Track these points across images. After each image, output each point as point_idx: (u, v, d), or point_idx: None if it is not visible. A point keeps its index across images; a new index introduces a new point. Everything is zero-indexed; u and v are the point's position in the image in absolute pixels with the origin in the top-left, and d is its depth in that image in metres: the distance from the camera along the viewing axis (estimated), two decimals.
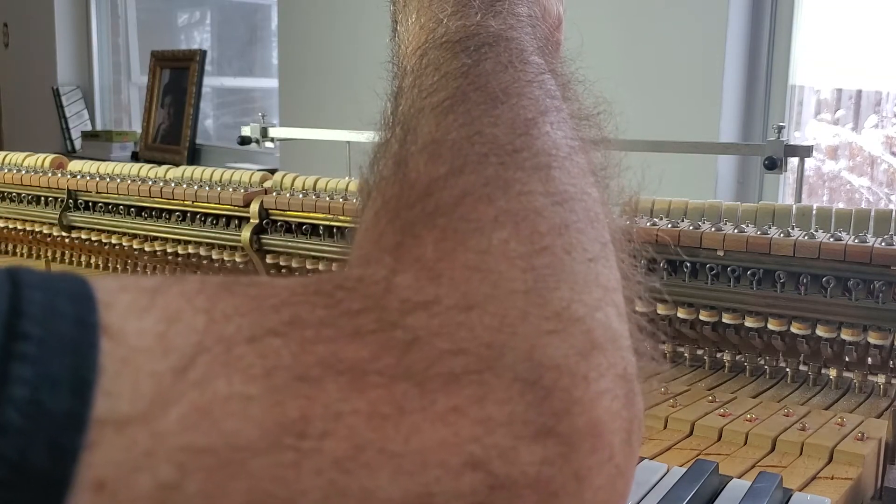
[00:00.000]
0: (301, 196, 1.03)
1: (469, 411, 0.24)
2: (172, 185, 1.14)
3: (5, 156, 1.36)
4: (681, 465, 0.62)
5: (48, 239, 1.29)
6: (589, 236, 0.29)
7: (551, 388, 0.25)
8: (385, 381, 0.23)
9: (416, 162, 0.30)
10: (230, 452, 0.22)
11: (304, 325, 0.24)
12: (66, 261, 1.31)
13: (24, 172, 1.30)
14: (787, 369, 0.81)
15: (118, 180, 1.19)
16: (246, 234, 1.05)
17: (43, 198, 1.27)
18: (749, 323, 0.79)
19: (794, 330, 0.77)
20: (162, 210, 1.15)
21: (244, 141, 1.93)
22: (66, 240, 1.27)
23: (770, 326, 0.78)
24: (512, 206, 0.28)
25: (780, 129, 1.35)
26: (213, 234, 1.10)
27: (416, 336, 0.24)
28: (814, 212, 0.78)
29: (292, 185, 1.05)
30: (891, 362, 0.77)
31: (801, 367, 0.80)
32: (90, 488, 0.21)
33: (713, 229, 0.80)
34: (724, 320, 0.80)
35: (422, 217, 0.28)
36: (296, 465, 0.22)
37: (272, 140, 1.94)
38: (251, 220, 1.05)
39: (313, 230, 1.02)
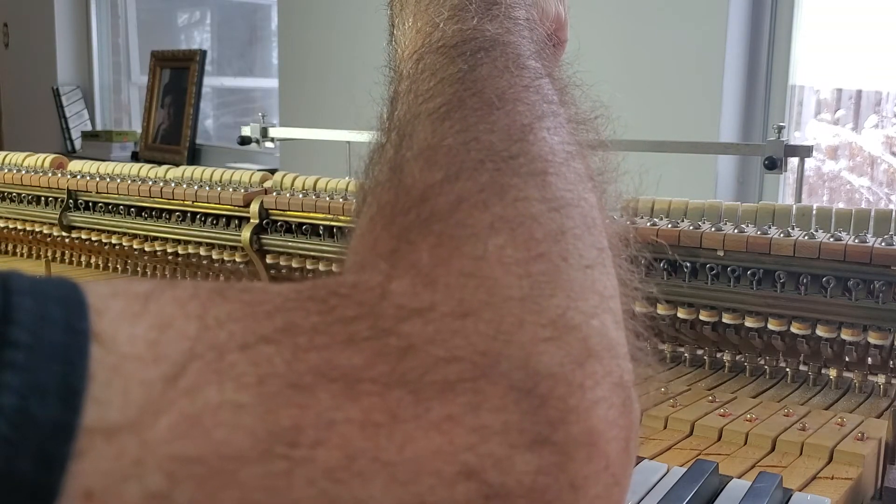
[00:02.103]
0: (301, 196, 1.03)
1: (464, 419, 0.23)
2: (172, 185, 1.14)
3: (5, 156, 1.36)
4: (681, 465, 0.62)
5: (48, 239, 1.30)
6: (586, 242, 0.29)
7: (547, 396, 0.24)
8: (379, 388, 0.23)
9: (412, 168, 0.30)
10: (221, 462, 0.21)
11: (298, 331, 0.24)
12: (66, 261, 1.31)
13: (24, 172, 1.30)
14: (787, 369, 0.81)
15: (118, 180, 1.19)
16: (246, 234, 1.05)
17: (43, 198, 1.27)
18: (749, 323, 0.79)
19: (794, 330, 0.77)
20: (162, 210, 1.15)
21: (244, 141, 1.93)
22: (66, 240, 1.27)
23: (770, 326, 0.78)
24: (508, 212, 0.28)
25: (780, 129, 1.35)
26: (213, 235, 1.10)
27: (410, 343, 0.24)
28: (814, 212, 0.78)
29: (292, 185, 1.05)
30: (891, 362, 0.77)
31: (801, 367, 0.81)
32: (78, 498, 0.20)
33: (713, 229, 0.80)
34: (724, 320, 0.80)
35: (417, 223, 0.28)
36: (287, 475, 0.22)
37: (272, 140, 1.94)
38: (251, 220, 1.05)
39: (313, 230, 1.02)
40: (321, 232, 1.01)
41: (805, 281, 0.76)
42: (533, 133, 0.31)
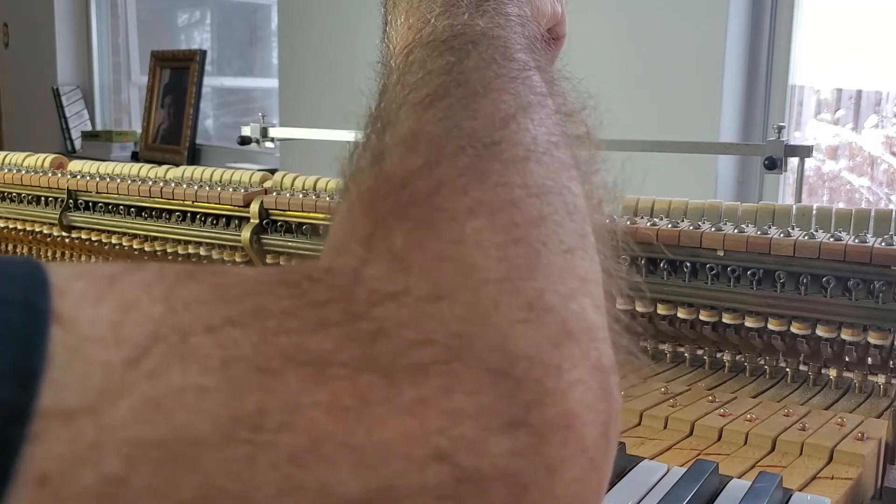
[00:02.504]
0: (301, 196, 1.03)
1: (436, 402, 0.23)
2: (172, 185, 1.14)
3: (5, 156, 1.36)
4: (681, 465, 0.62)
5: (48, 239, 1.30)
6: (567, 228, 0.29)
7: (522, 378, 0.24)
8: (349, 372, 0.23)
9: (393, 155, 0.30)
10: (181, 446, 0.21)
11: (267, 315, 0.24)
12: (67, 261, 1.31)
13: (24, 172, 1.30)
14: (787, 369, 0.81)
15: (118, 180, 1.19)
16: (246, 234, 1.05)
17: (43, 198, 1.27)
18: (749, 323, 0.79)
19: (794, 330, 0.77)
20: (162, 210, 1.15)
21: (244, 141, 1.93)
22: (66, 240, 1.27)
23: (770, 326, 0.78)
24: (487, 196, 0.27)
25: (780, 129, 1.35)
26: (213, 234, 1.10)
27: (382, 327, 0.24)
28: (814, 212, 0.78)
29: (292, 185, 1.05)
30: (891, 362, 0.77)
31: (801, 367, 0.81)
32: (32, 482, 0.20)
33: (713, 229, 0.80)
34: (724, 320, 0.80)
35: (395, 208, 0.27)
36: (250, 460, 0.22)
37: (272, 140, 1.94)
38: (251, 220, 1.05)
39: (313, 230, 1.02)
40: (321, 232, 1.01)
41: (805, 281, 0.76)
42: (516, 122, 0.31)
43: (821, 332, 0.76)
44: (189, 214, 1.13)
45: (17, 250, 1.37)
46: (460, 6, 0.36)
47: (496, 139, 0.29)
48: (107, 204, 1.21)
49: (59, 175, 1.26)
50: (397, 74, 0.34)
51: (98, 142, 3.55)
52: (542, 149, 0.30)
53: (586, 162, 0.33)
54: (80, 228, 1.24)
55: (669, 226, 0.81)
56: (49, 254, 1.32)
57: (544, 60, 0.36)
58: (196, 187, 1.11)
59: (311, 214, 1.01)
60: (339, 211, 0.30)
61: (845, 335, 0.75)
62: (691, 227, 0.80)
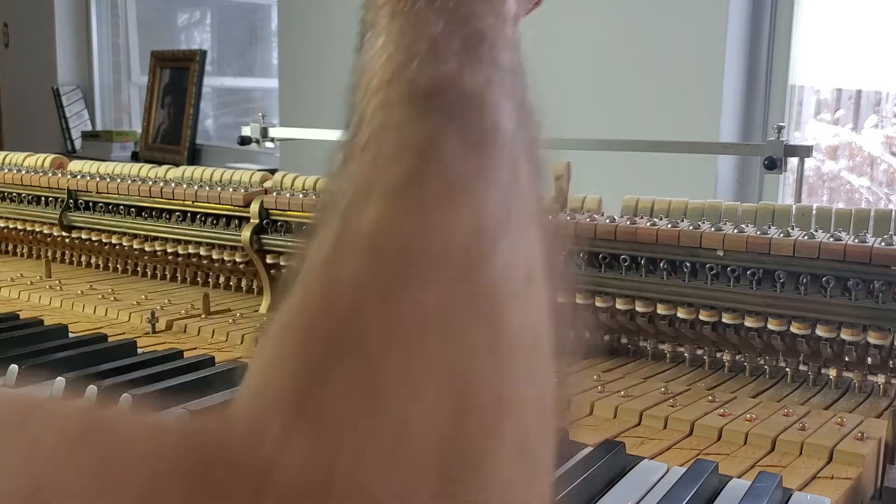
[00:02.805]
0: (301, 196, 1.03)
1: None
2: (172, 185, 1.14)
3: (5, 156, 1.36)
4: (681, 465, 0.62)
5: (48, 239, 1.30)
6: (529, 416, 0.25)
7: None
8: None
9: (351, 259, 0.25)
10: None
11: None
12: (66, 261, 1.31)
13: (24, 172, 1.30)
14: (787, 369, 0.81)
15: (118, 180, 1.20)
16: (246, 234, 1.05)
17: (43, 198, 1.27)
18: (749, 323, 0.79)
19: (793, 330, 0.77)
20: (162, 210, 1.15)
21: (244, 141, 1.93)
22: (66, 240, 1.27)
23: (770, 326, 0.78)
24: (446, 360, 0.24)
25: (780, 129, 1.35)
26: (213, 234, 1.10)
27: None
28: (814, 212, 0.78)
29: (292, 185, 1.05)
30: (891, 362, 0.77)
31: (801, 367, 0.81)
32: None
33: (713, 229, 0.80)
34: (724, 320, 0.80)
35: (338, 351, 0.23)
36: None
37: (272, 140, 1.94)
38: (251, 220, 1.05)
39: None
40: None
41: (805, 281, 0.76)
42: (497, 244, 0.26)
43: (820, 332, 0.76)
44: (189, 214, 1.13)
45: (18, 250, 1.37)
46: (451, 48, 0.30)
47: (475, 262, 0.25)
48: (107, 204, 1.21)
49: (59, 175, 1.26)
50: (369, 131, 0.29)
51: (98, 142, 3.55)
52: (522, 284, 0.26)
53: (559, 272, 0.29)
54: (81, 228, 1.24)
55: (669, 226, 0.81)
56: (49, 254, 1.32)
57: (529, 117, 0.31)
58: (196, 187, 1.11)
59: (311, 214, 1.01)
60: (279, 314, 0.26)
61: (845, 335, 0.75)
62: (691, 227, 0.81)
